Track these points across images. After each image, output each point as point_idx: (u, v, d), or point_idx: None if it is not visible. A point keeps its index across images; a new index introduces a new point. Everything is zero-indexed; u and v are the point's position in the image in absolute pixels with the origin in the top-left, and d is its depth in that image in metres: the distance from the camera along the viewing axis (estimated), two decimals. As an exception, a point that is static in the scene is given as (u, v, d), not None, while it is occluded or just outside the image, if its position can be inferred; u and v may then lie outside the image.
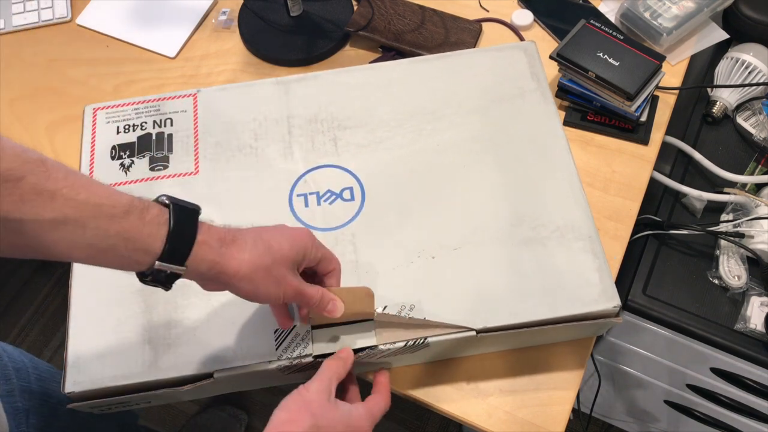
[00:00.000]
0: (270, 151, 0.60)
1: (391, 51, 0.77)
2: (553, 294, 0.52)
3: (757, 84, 0.76)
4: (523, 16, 0.79)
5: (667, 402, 0.94)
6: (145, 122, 0.62)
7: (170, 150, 0.60)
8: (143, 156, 0.60)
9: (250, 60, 0.79)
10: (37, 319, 1.39)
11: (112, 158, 0.60)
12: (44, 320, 1.39)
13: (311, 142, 0.60)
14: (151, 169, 0.59)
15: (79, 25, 0.83)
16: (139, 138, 0.61)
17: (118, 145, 0.61)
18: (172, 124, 0.61)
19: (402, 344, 0.50)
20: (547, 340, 0.58)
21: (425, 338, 0.50)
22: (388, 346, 0.50)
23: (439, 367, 0.58)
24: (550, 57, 0.69)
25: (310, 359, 0.50)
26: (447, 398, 0.57)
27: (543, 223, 0.55)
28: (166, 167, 0.59)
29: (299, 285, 0.45)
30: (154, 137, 0.61)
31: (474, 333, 0.51)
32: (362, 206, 0.56)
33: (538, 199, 0.56)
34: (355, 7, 0.81)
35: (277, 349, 0.50)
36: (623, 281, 0.75)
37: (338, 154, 0.59)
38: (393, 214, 0.56)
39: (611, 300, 0.52)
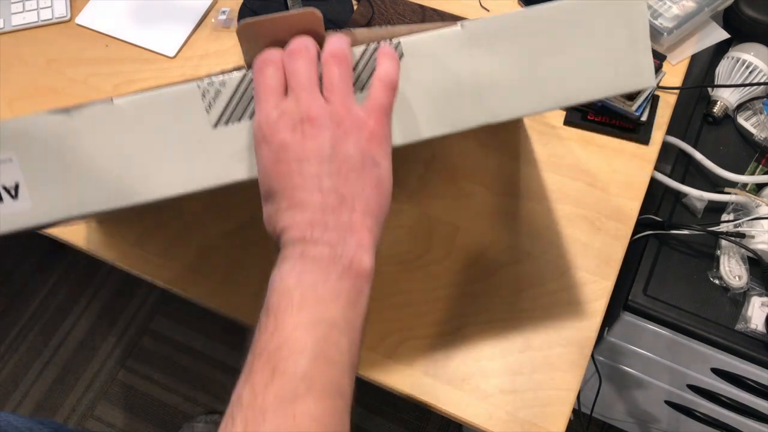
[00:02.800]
0: None
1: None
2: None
3: (758, 84, 0.76)
4: (524, 16, 0.79)
5: (667, 402, 0.94)
6: None
7: None
8: None
9: (250, 60, 0.79)
10: (36, 320, 1.39)
11: None
12: (44, 320, 1.39)
13: None
14: None
15: (78, 25, 0.83)
16: None
17: None
18: None
19: (360, 50, 0.40)
20: (566, 58, 0.41)
21: (393, 39, 0.40)
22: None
23: (439, 367, 0.58)
24: (551, 56, 0.69)
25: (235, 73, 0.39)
26: (447, 398, 0.57)
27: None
28: None
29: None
30: None
31: (458, 28, 0.40)
32: None
33: None
34: (355, 7, 0.81)
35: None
36: (624, 281, 0.74)
37: None
38: None
39: None
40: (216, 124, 0.40)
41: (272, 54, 0.38)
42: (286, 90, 0.38)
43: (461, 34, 0.40)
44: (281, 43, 0.39)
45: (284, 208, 0.36)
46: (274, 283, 0.35)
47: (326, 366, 0.33)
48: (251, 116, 0.40)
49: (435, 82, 0.41)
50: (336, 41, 0.38)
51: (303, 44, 0.38)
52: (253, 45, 0.39)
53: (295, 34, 0.39)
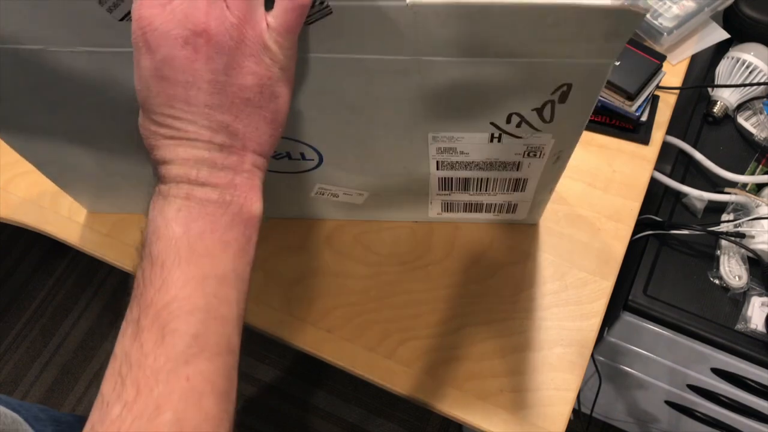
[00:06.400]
0: None
1: None
2: None
3: (758, 84, 0.76)
4: (524, 16, 0.79)
5: (667, 402, 0.94)
6: None
7: None
8: None
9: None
10: (36, 319, 1.39)
11: None
12: (44, 320, 1.39)
13: None
14: None
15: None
16: None
17: None
18: None
19: None
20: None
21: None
22: None
23: (439, 367, 0.58)
24: (551, 57, 0.69)
25: None
26: (447, 398, 0.57)
27: None
28: None
29: None
30: None
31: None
32: None
33: None
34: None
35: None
36: (624, 281, 0.74)
37: None
38: None
39: None
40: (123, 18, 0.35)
41: None
42: None
43: (407, 6, 0.34)
44: None
45: (166, 134, 0.32)
46: (159, 227, 0.32)
47: (217, 323, 0.32)
48: None
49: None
50: None
51: None
52: None
53: None
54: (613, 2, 0.33)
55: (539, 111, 0.44)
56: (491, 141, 0.48)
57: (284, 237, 0.63)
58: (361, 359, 0.58)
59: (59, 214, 0.67)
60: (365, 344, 0.59)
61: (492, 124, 0.46)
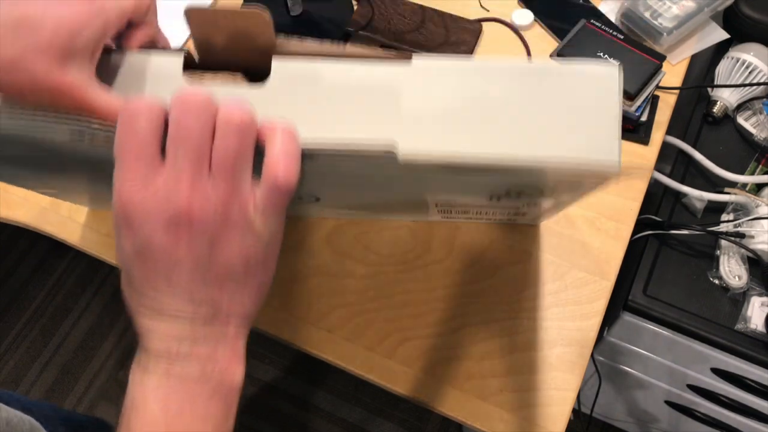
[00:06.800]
0: None
1: (391, 51, 0.77)
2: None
3: (758, 84, 0.76)
4: (524, 16, 0.79)
5: (667, 402, 0.94)
6: None
7: None
8: None
9: (250, 60, 0.79)
10: (36, 319, 1.39)
11: None
12: (44, 320, 1.39)
13: None
14: None
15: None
16: None
17: None
18: None
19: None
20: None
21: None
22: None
23: (439, 367, 0.58)
24: (550, 57, 0.69)
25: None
26: (447, 398, 0.57)
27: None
28: None
29: (79, 89, 0.30)
30: None
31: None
32: None
33: None
34: (356, 7, 0.81)
35: None
36: (624, 281, 0.74)
37: None
38: None
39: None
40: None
41: (149, 102, 0.29)
42: (161, 149, 0.29)
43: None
44: (228, 37, 0.35)
45: (147, 305, 0.31)
46: (137, 400, 0.31)
47: None
48: None
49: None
50: (238, 102, 0.29)
51: (203, 97, 0.29)
52: (199, 31, 0.36)
53: (239, 32, 0.34)
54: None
55: (539, 189, 0.45)
56: (490, 200, 0.49)
57: (284, 236, 0.63)
58: (360, 359, 0.58)
59: (59, 214, 0.67)
60: (365, 344, 0.59)
61: (491, 195, 0.47)
